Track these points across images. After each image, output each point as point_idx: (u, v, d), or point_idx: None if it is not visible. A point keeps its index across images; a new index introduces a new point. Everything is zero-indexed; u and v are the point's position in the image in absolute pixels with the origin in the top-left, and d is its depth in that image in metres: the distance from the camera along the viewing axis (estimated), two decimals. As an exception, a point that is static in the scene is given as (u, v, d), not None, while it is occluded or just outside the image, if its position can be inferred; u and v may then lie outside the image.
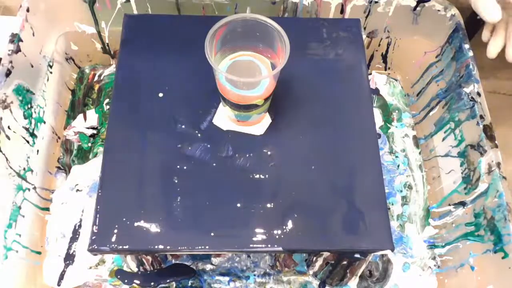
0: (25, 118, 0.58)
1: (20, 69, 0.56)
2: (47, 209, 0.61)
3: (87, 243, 0.43)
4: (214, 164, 0.47)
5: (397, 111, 0.73)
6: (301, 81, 0.53)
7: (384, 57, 0.74)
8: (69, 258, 0.59)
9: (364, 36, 0.68)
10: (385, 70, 0.76)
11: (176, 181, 0.46)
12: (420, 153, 0.69)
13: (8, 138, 0.54)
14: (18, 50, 0.56)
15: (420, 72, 0.71)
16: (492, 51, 0.54)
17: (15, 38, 0.56)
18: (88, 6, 0.64)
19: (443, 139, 0.64)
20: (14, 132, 0.55)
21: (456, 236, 0.59)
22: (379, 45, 0.72)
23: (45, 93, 0.63)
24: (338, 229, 0.45)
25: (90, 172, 0.64)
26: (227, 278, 0.59)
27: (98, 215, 0.44)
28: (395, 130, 0.71)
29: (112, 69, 0.73)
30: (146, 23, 0.55)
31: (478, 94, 0.57)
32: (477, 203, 0.56)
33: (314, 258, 0.57)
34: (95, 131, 0.67)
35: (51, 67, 0.65)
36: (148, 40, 0.54)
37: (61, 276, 0.58)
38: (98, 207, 0.44)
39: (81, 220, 0.61)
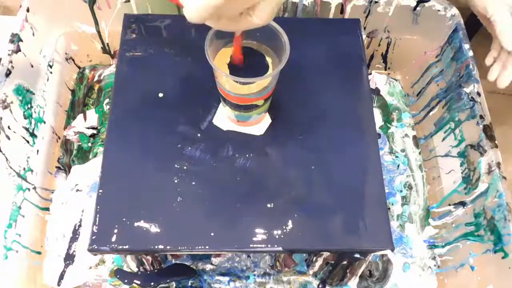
0: (25, 118, 0.58)
1: (20, 69, 0.56)
2: (47, 209, 0.61)
3: (87, 243, 0.43)
4: (214, 164, 0.47)
5: (397, 111, 0.73)
6: (301, 81, 0.53)
7: (384, 57, 0.74)
8: (69, 258, 0.59)
9: (364, 36, 0.68)
10: (385, 70, 0.76)
11: (176, 181, 0.46)
12: (420, 153, 0.69)
13: (8, 138, 0.54)
14: (18, 50, 0.56)
15: (420, 72, 0.71)
16: (494, 75, 0.55)
17: (15, 38, 0.56)
18: (88, 6, 0.64)
19: (443, 139, 0.64)
20: (14, 132, 0.55)
21: (456, 236, 0.59)
22: (379, 45, 0.72)
23: (45, 93, 0.63)
24: (338, 229, 0.45)
25: (90, 172, 0.64)
26: (227, 278, 0.59)
27: (98, 215, 0.44)
28: (395, 130, 0.71)
29: (112, 69, 0.73)
30: (146, 23, 0.55)
31: (478, 94, 0.57)
32: (477, 203, 0.56)
33: (314, 258, 0.57)
34: (95, 131, 0.67)
35: (51, 67, 0.65)
36: (148, 40, 0.54)
37: (61, 276, 0.58)
38: (98, 207, 0.44)
39: (81, 220, 0.61)
